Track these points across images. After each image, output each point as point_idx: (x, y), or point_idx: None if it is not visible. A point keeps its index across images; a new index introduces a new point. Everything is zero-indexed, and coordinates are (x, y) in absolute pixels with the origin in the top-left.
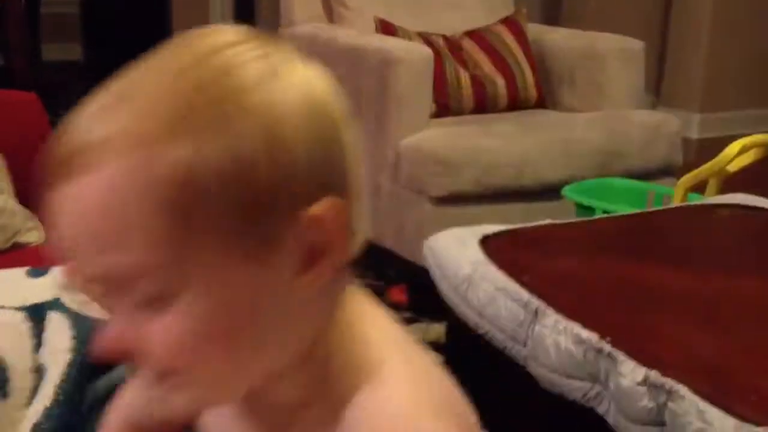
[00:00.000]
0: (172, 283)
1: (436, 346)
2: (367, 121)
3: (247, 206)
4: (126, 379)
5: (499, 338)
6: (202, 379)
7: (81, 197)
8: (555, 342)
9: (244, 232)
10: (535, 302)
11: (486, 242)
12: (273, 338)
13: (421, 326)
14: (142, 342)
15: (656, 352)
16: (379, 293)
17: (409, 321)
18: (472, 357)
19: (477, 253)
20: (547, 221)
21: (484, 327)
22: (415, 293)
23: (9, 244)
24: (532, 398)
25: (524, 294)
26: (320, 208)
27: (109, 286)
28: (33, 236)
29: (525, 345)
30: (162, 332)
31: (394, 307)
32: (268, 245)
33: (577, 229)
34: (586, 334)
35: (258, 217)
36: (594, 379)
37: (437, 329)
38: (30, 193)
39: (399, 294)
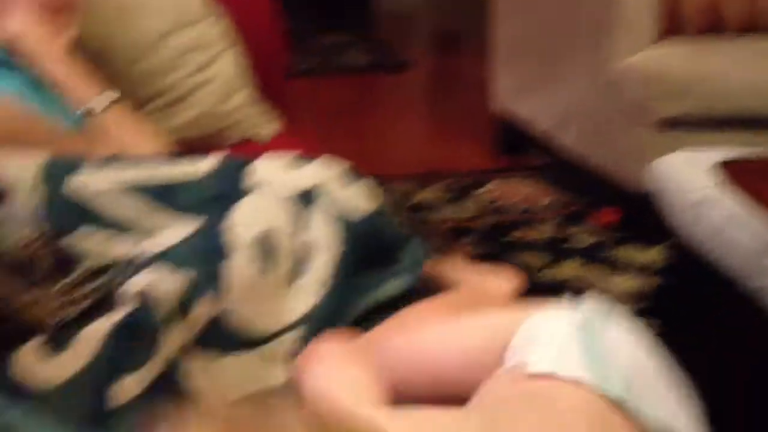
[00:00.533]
0: None
1: (647, 270)
2: (585, 39)
3: None
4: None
5: (729, 267)
6: None
7: None
8: None
9: None
10: None
11: (723, 167)
12: None
13: (630, 250)
14: None
15: None
16: (584, 214)
17: (617, 244)
18: (694, 283)
19: (713, 177)
20: None
21: (713, 254)
22: (627, 217)
23: (243, 139)
24: (758, 332)
25: (760, 223)
26: None
27: None
28: (268, 129)
29: (758, 276)
30: None
31: (605, 227)
32: None
33: None
34: None
35: None
36: None
37: (649, 253)
38: (267, 86)
39: (610, 214)
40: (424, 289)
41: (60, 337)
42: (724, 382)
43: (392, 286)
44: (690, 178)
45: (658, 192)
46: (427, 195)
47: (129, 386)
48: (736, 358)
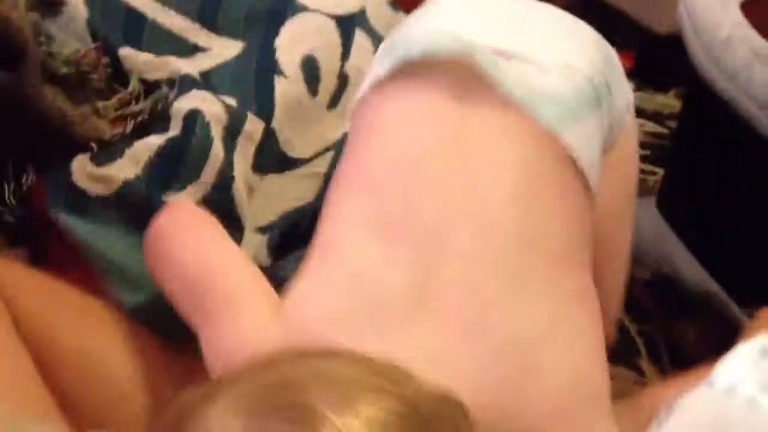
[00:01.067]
0: None
1: (659, 116)
2: None
3: None
4: None
5: (747, 106)
6: None
7: None
8: None
9: None
10: None
11: (749, 6)
12: None
13: (645, 95)
14: None
15: None
16: None
17: (633, 89)
18: (709, 125)
19: (738, 15)
20: None
21: (731, 93)
22: (645, 61)
23: None
24: None
25: None
26: None
27: None
28: None
29: None
30: None
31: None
32: None
33: None
34: None
35: None
36: None
37: (662, 99)
38: None
39: (625, 60)
40: None
41: (113, 149)
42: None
43: None
44: (716, 16)
45: (685, 30)
46: None
47: (183, 198)
48: (752, 195)
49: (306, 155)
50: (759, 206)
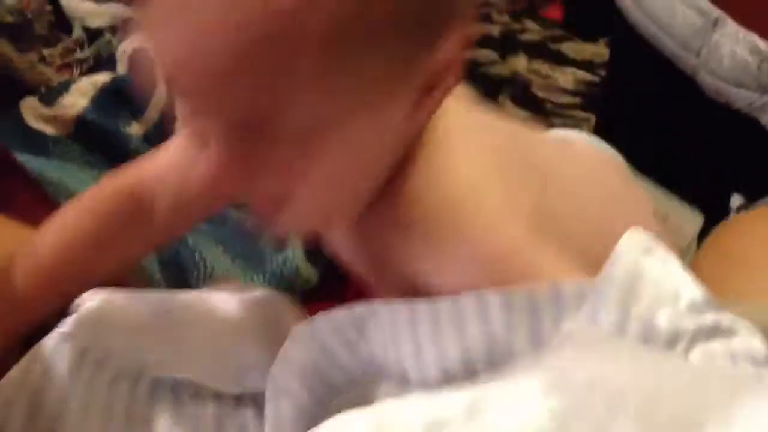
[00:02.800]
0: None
1: (590, 65)
2: None
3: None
4: None
5: (670, 46)
6: (308, 207)
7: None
8: (731, 51)
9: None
10: (716, 11)
11: None
12: (375, 169)
13: (574, 45)
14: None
15: None
16: (533, 8)
17: (563, 39)
18: (636, 69)
19: None
20: None
21: (656, 35)
22: (574, 12)
23: None
24: (696, 107)
25: (704, 2)
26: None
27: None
28: None
29: (698, 54)
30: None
31: (548, 23)
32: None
33: None
34: (764, 44)
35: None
36: (764, 90)
37: (591, 48)
38: None
39: (554, 11)
40: None
41: (59, 87)
42: (669, 157)
43: None
44: None
45: None
46: None
47: (135, 130)
48: (680, 132)
49: None
50: (687, 143)
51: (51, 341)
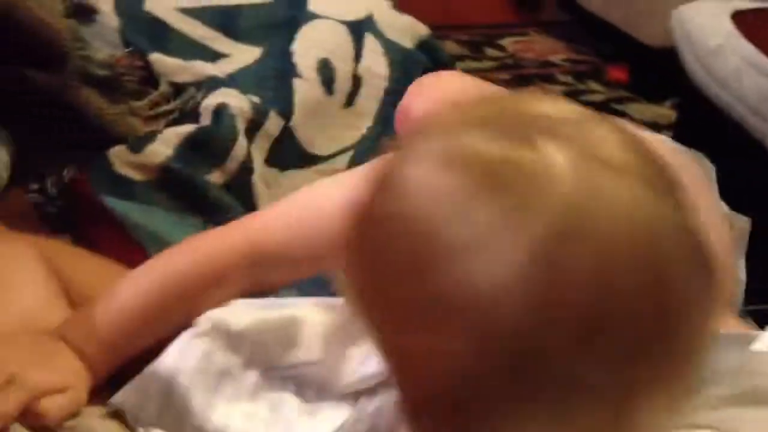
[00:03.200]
0: None
1: (654, 126)
2: None
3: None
4: None
5: (739, 111)
6: None
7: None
8: None
9: None
10: None
11: (738, 16)
12: None
13: (639, 106)
14: None
15: None
16: (598, 70)
17: (627, 100)
18: (703, 131)
19: (729, 26)
20: None
21: (725, 99)
22: (640, 73)
23: None
24: (765, 172)
25: None
26: None
27: None
28: None
29: (767, 120)
30: None
31: (613, 85)
32: None
33: None
34: None
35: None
36: None
37: (656, 110)
38: None
39: (619, 72)
40: None
41: (147, 136)
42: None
43: None
44: (707, 26)
45: (678, 40)
46: (445, 46)
47: (215, 178)
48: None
49: (325, 152)
50: (757, 206)
51: (184, 339)
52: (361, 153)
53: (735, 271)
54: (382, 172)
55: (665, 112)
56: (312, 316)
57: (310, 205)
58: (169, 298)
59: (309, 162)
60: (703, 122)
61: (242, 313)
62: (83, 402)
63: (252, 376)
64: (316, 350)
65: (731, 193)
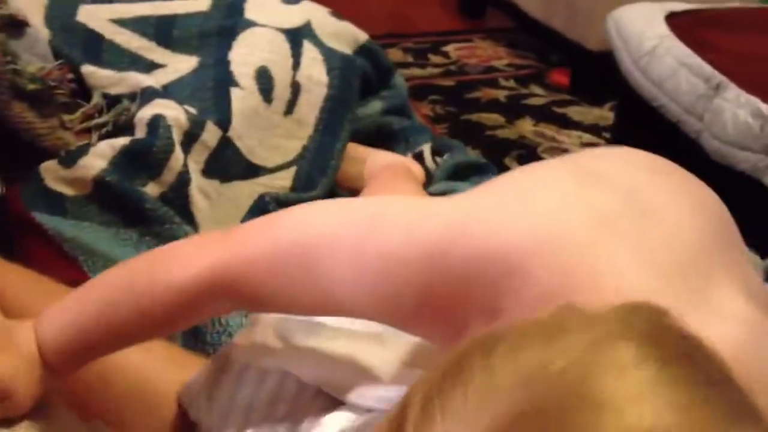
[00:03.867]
0: None
1: (595, 128)
2: None
3: None
4: None
5: (674, 111)
6: None
7: None
8: (733, 115)
9: None
10: (718, 77)
11: (672, 18)
12: None
13: (581, 109)
14: None
15: None
16: (540, 75)
17: (569, 103)
18: (640, 131)
19: (663, 28)
20: (735, 4)
21: (660, 100)
22: (580, 77)
23: None
24: (700, 169)
25: (707, 69)
26: None
27: None
28: None
29: (701, 118)
30: None
31: (555, 89)
32: None
33: (766, 11)
34: (766, 107)
35: None
36: (767, 151)
37: (597, 113)
38: None
39: (561, 76)
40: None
41: (79, 150)
42: None
43: (375, 105)
44: (642, 29)
45: (614, 42)
46: (390, 54)
47: (151, 190)
48: None
49: (269, 164)
50: None
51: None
52: (304, 167)
53: None
54: None
55: (605, 114)
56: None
57: (300, 252)
58: (130, 321)
59: (253, 173)
60: (640, 123)
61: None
62: (24, 408)
63: None
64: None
65: None
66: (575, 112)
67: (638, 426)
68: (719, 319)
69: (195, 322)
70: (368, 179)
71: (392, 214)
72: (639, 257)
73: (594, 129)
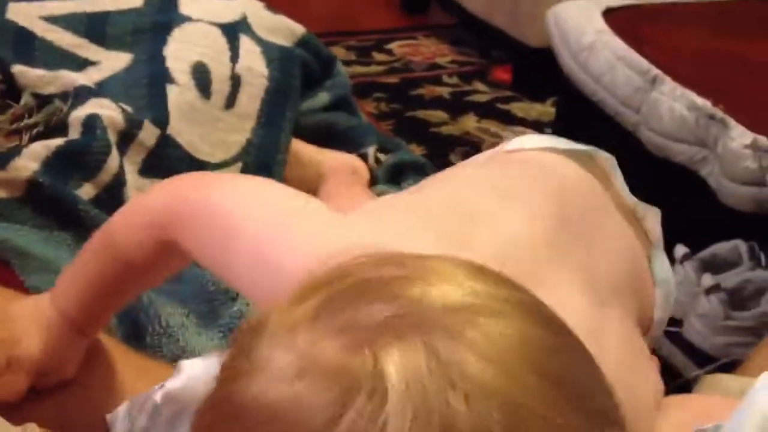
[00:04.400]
0: None
1: (537, 124)
2: None
3: None
4: None
5: (612, 105)
6: None
7: None
8: (670, 108)
9: None
10: (654, 70)
11: (609, 14)
12: None
13: (523, 105)
14: None
15: (765, 120)
16: (483, 71)
17: (512, 99)
18: (580, 125)
19: (600, 23)
20: None
21: (599, 94)
22: (519, 75)
23: None
24: (638, 161)
25: (643, 63)
26: None
27: None
28: None
29: (638, 111)
30: None
31: (498, 86)
32: None
33: (701, 6)
34: (700, 101)
35: None
36: (702, 143)
37: (539, 108)
38: None
39: (503, 73)
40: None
41: (11, 151)
42: None
43: (322, 97)
44: (580, 24)
45: (554, 38)
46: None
47: (86, 192)
48: None
49: (213, 160)
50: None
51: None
52: (250, 162)
53: None
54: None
55: (548, 110)
56: None
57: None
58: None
59: (198, 169)
60: (580, 117)
61: None
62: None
63: None
64: None
65: None
66: (518, 108)
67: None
68: None
69: (175, 266)
70: (321, 182)
71: (298, 228)
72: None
73: (536, 125)
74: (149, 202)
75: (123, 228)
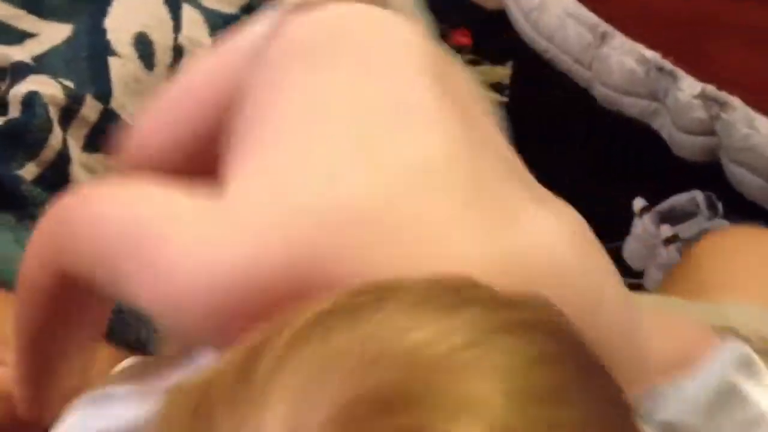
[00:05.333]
0: None
1: (498, 87)
2: None
3: None
4: None
5: (565, 62)
6: None
7: None
8: (619, 62)
9: None
10: (603, 26)
11: None
12: None
13: (484, 68)
14: None
15: (714, 71)
16: (443, 36)
17: (472, 63)
18: (537, 87)
19: None
20: None
21: (551, 52)
22: (479, 38)
23: None
24: (593, 117)
25: (593, 18)
26: None
27: None
28: None
29: (590, 68)
30: None
31: (457, 49)
32: None
33: None
34: (650, 53)
35: None
36: (653, 96)
37: (500, 71)
38: None
39: (463, 37)
40: None
41: None
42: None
43: None
44: None
45: (504, 2)
46: None
47: (28, 172)
48: (577, 140)
49: None
50: (588, 151)
51: None
52: None
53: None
54: None
55: (508, 72)
56: None
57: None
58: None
59: None
60: (535, 76)
61: None
62: None
63: None
64: None
65: (564, 137)
66: (479, 72)
67: None
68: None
69: (88, 307)
70: None
71: (183, 236)
72: None
73: (498, 87)
74: (35, 239)
75: (28, 271)
